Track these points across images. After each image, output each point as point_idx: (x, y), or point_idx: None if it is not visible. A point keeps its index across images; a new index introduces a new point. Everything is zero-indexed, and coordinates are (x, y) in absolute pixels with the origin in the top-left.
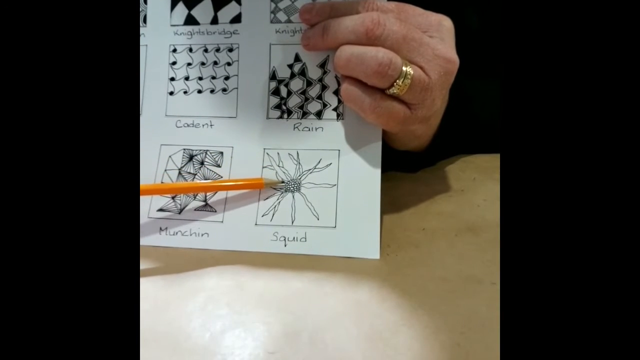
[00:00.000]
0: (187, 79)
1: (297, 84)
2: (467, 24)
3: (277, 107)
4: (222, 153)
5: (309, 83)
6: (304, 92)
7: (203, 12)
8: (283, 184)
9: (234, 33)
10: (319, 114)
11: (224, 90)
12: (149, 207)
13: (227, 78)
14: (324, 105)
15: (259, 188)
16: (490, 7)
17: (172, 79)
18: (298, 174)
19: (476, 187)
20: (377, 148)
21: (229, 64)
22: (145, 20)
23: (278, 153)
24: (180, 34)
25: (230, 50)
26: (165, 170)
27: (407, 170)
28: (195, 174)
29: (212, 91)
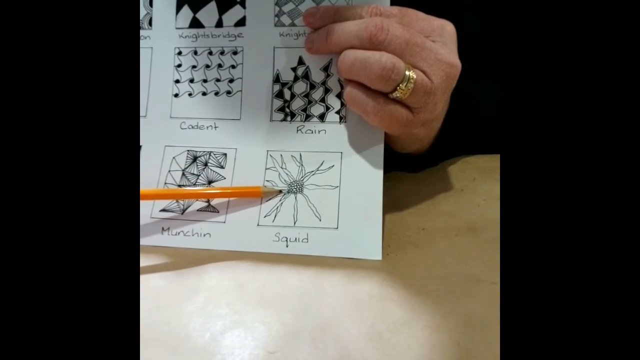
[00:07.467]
0: (191, 81)
1: (300, 87)
2: (468, 28)
3: (281, 109)
4: (225, 155)
5: (312, 86)
6: (307, 95)
7: (208, 15)
8: (281, 194)
9: (238, 36)
10: (321, 117)
11: (228, 92)
12: (151, 207)
13: (231, 81)
14: (327, 108)
15: (257, 197)
16: (491, 12)
17: (177, 81)
18: (301, 176)
19: (476, 187)
20: (379, 151)
21: (233, 66)
22: (150, 23)
23: (281, 155)
24: (185, 36)
25: (235, 53)
26: (169, 171)
27: (409, 170)
28: (199, 175)
29: (216, 93)
